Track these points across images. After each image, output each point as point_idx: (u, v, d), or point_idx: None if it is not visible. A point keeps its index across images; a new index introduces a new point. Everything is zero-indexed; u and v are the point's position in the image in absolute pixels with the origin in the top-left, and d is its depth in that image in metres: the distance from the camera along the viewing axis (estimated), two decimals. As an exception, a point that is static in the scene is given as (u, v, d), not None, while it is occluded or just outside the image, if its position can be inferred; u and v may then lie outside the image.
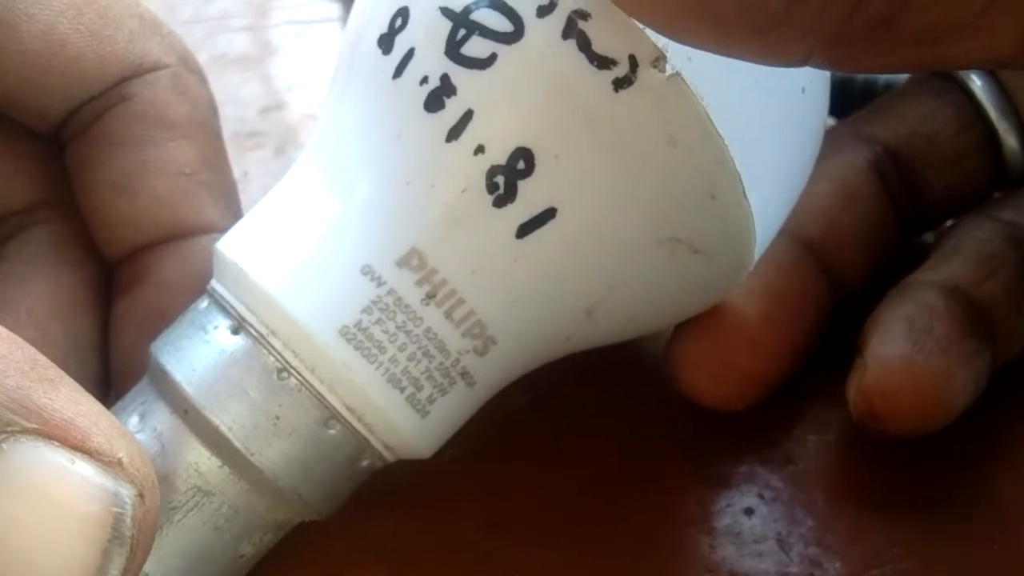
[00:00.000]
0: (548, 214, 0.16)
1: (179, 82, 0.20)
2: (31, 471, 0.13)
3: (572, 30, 0.15)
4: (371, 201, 0.16)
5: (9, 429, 0.13)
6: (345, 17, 0.41)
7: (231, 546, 0.17)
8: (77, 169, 0.20)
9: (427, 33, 0.16)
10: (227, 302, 0.16)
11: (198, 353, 0.16)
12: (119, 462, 0.14)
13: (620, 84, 0.15)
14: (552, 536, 0.19)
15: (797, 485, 0.19)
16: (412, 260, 0.16)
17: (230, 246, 0.17)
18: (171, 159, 0.20)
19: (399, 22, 0.16)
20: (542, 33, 0.15)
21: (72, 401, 0.14)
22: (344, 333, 0.16)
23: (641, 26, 0.15)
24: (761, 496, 0.19)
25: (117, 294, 0.20)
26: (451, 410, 0.17)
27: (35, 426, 0.13)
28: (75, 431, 0.13)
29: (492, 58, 0.15)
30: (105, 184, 0.20)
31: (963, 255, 0.20)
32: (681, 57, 0.15)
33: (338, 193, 0.16)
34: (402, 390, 0.16)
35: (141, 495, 0.14)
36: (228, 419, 0.16)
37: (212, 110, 0.21)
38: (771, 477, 0.20)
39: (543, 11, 0.15)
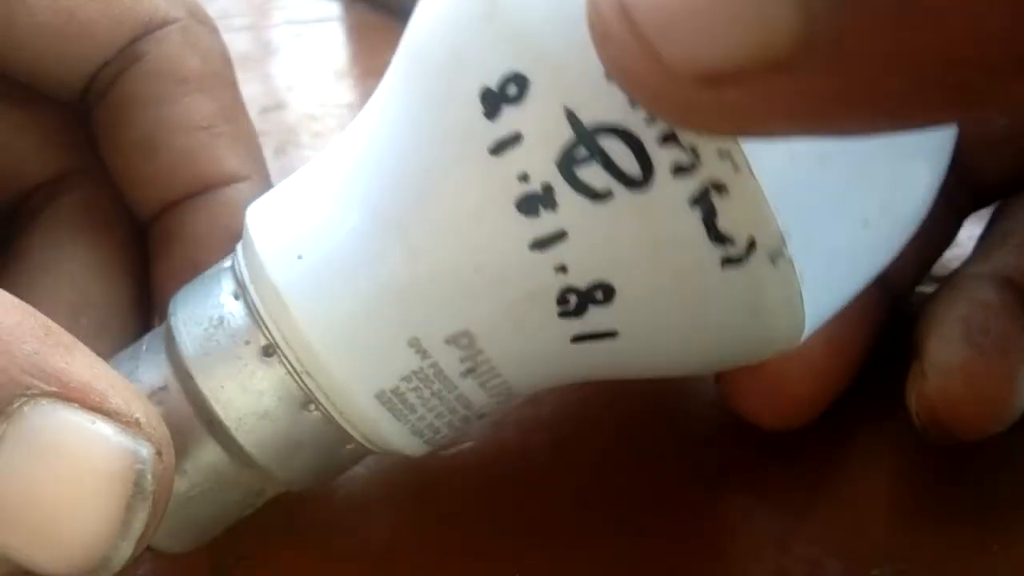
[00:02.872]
0: (609, 335, 0.15)
1: (189, 35, 0.20)
2: (54, 432, 0.14)
3: (703, 199, 0.14)
4: (434, 275, 0.15)
5: (29, 392, 0.13)
6: (345, 17, 0.41)
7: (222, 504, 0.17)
8: (101, 134, 0.21)
9: (543, 129, 0.14)
10: (260, 315, 0.16)
11: (203, 332, 0.16)
12: (136, 422, 0.14)
13: (729, 262, 0.14)
14: (553, 536, 0.19)
15: (797, 485, 0.19)
16: (462, 340, 0.15)
17: (274, 260, 0.16)
18: (187, 114, 0.20)
19: (513, 89, 0.14)
20: (671, 193, 0.14)
21: (88, 366, 0.14)
22: (380, 396, 0.16)
23: (772, 206, 0.14)
24: (761, 496, 0.19)
25: (153, 253, 0.21)
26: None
27: (54, 389, 0.14)
28: (93, 393, 0.14)
29: (608, 195, 0.14)
30: (127, 145, 0.20)
31: (1013, 242, 0.20)
32: (800, 240, 0.14)
33: (399, 253, 0.15)
34: (420, 435, 0.17)
35: (159, 453, 0.14)
36: (215, 385, 0.16)
37: (224, 60, 0.21)
38: (771, 477, 0.20)
39: (680, 170, 0.13)
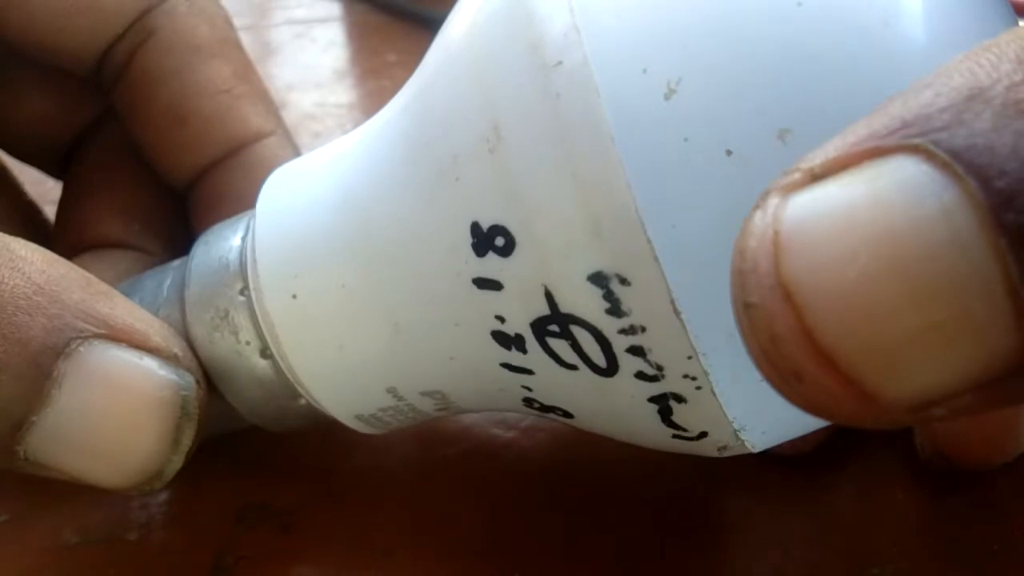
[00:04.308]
0: (567, 415, 0.16)
1: (194, 5, 0.21)
2: (108, 367, 0.15)
3: (662, 401, 0.14)
4: (414, 351, 0.16)
5: (82, 335, 0.15)
6: (345, 17, 0.41)
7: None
8: (126, 110, 0.22)
9: (522, 294, 0.14)
10: (259, 323, 0.17)
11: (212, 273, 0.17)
12: (176, 356, 0.16)
13: (679, 437, 0.15)
14: (552, 536, 0.19)
15: (797, 485, 0.19)
16: (436, 394, 0.17)
17: (272, 290, 0.17)
18: (208, 80, 0.21)
19: (500, 241, 0.14)
20: (631, 389, 0.14)
21: (128, 310, 0.16)
22: (359, 417, 0.17)
23: (728, 416, 0.14)
24: (761, 496, 0.19)
25: (196, 217, 0.22)
26: None
27: (103, 331, 0.15)
28: (136, 333, 0.16)
29: (573, 368, 0.14)
30: (155, 118, 0.21)
31: None
32: (756, 428, 0.14)
33: (385, 325, 0.16)
34: (389, 428, 0.18)
35: (198, 381, 0.16)
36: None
37: (228, 22, 0.22)
38: (771, 477, 0.20)
39: (643, 376, 0.14)
